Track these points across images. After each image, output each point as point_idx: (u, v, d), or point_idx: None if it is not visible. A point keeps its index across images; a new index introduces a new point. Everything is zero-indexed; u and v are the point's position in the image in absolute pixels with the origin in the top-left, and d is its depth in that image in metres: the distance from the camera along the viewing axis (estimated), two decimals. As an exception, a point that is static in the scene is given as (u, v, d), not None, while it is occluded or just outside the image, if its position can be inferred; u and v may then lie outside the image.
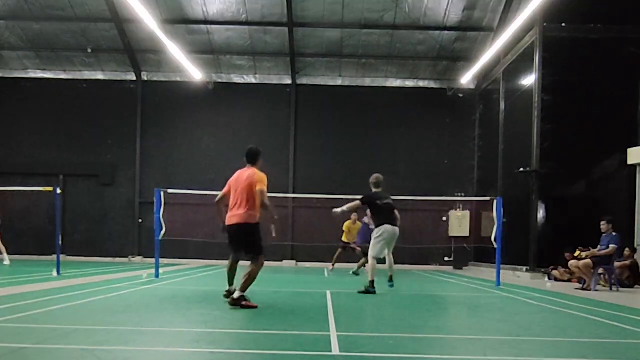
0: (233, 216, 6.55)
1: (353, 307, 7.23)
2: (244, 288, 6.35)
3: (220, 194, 6.93)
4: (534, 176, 13.91)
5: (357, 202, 8.73)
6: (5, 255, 14.89)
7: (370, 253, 8.70)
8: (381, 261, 9.07)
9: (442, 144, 19.43)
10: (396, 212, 9.00)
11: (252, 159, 6.87)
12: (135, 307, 6.45)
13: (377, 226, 8.80)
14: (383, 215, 8.76)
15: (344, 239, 14.78)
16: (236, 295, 6.32)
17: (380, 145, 19.39)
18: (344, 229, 14.81)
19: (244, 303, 6.28)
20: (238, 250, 6.73)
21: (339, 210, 8.68)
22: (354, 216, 14.60)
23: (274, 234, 6.70)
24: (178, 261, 17.01)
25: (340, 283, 11.37)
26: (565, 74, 13.79)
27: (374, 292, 8.30)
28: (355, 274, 13.83)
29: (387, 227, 8.69)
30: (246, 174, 6.68)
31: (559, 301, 8.27)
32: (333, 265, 14.96)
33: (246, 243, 6.55)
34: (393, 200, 9.05)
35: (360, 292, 8.31)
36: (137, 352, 4.00)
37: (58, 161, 19.32)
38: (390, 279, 9.35)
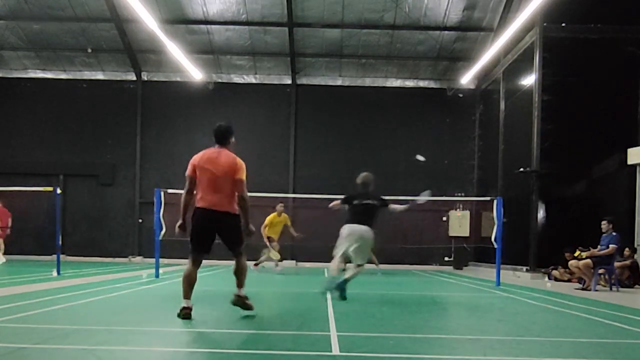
0: (213, 203, 5.45)
1: (353, 307, 7.23)
2: (243, 284, 5.77)
3: (187, 181, 5.63)
4: (534, 176, 13.91)
5: (338, 201, 8.22)
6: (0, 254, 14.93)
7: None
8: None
9: (442, 144, 19.43)
10: (392, 206, 8.06)
11: (224, 138, 5.81)
12: (135, 307, 6.45)
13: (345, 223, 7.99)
14: (352, 214, 7.93)
15: (267, 233, 13.44)
16: (242, 293, 5.74)
17: (380, 145, 19.39)
18: (266, 222, 13.51)
19: (248, 301, 5.80)
20: (206, 246, 5.55)
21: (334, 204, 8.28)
22: (279, 207, 13.75)
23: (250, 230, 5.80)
24: (178, 261, 16.99)
25: (340, 283, 11.34)
26: (565, 74, 13.80)
27: (336, 289, 7.49)
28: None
29: (345, 226, 7.84)
30: (222, 158, 5.60)
31: (559, 301, 8.27)
32: (257, 264, 13.54)
33: (231, 236, 5.59)
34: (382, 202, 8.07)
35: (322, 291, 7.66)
36: (137, 352, 4.00)
37: (58, 161, 19.32)
38: (345, 282, 7.63)
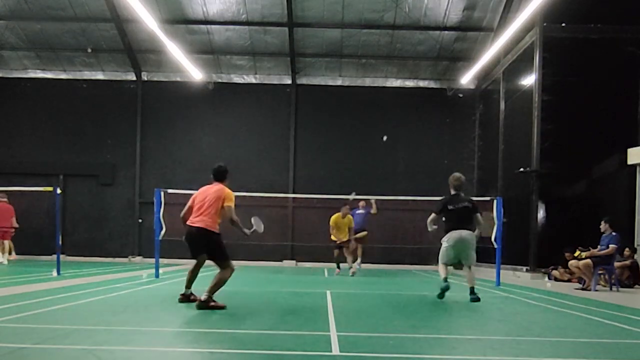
0: (195, 221, 6.64)
1: (353, 307, 7.23)
2: (212, 291, 6.36)
3: (184, 209, 6.93)
4: (534, 176, 13.91)
5: (432, 214, 8.23)
6: (5, 255, 15.00)
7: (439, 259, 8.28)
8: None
9: (442, 144, 19.42)
10: (478, 216, 8.21)
11: (220, 176, 7.00)
12: (135, 307, 6.45)
13: (445, 232, 8.12)
14: (453, 220, 8.07)
15: (333, 237, 13.67)
16: (204, 297, 6.30)
17: (380, 145, 19.36)
18: (331, 223, 13.64)
19: (212, 304, 6.30)
20: (198, 253, 6.76)
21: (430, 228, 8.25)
22: (344, 209, 13.70)
23: (248, 233, 6.90)
24: (178, 261, 17.01)
25: (340, 283, 11.36)
26: (565, 74, 13.79)
27: (445, 287, 7.88)
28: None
29: (451, 234, 7.98)
30: (214, 189, 6.83)
31: (559, 301, 8.27)
32: (338, 268, 13.87)
33: (209, 250, 6.67)
34: (471, 202, 8.30)
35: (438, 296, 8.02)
36: (137, 352, 4.00)
37: (58, 161, 19.31)
38: (471, 291, 8.03)
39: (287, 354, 3.93)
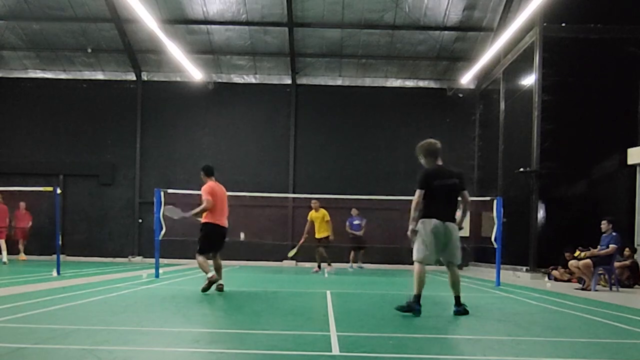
0: (223, 222, 8.14)
1: (353, 307, 7.24)
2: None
3: (211, 201, 7.95)
4: (534, 176, 13.91)
5: (417, 192, 6.04)
6: (4, 254, 15.04)
7: (413, 255, 6.18)
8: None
9: (442, 144, 19.17)
10: (466, 194, 6.27)
11: (213, 173, 8.34)
12: (135, 307, 6.45)
13: (423, 216, 6.06)
14: (437, 202, 6.03)
15: (317, 235, 14.31)
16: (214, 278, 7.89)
17: (380, 145, 19.38)
18: (308, 219, 14.52)
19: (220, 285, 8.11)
20: (220, 248, 8.26)
21: (411, 229, 6.11)
22: (314, 203, 14.34)
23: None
24: (178, 261, 17.02)
25: (340, 283, 11.37)
26: (565, 74, 13.79)
27: (417, 311, 5.98)
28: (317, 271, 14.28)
29: (433, 221, 5.99)
30: (223, 189, 8.29)
31: (559, 301, 8.28)
32: (319, 267, 14.66)
33: (223, 242, 8.35)
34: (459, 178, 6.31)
35: (397, 309, 6.05)
36: (137, 352, 4.00)
37: (58, 161, 19.31)
38: (457, 302, 6.26)
39: (287, 354, 3.93)
